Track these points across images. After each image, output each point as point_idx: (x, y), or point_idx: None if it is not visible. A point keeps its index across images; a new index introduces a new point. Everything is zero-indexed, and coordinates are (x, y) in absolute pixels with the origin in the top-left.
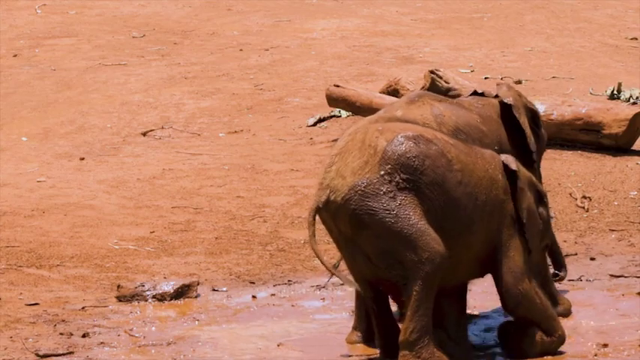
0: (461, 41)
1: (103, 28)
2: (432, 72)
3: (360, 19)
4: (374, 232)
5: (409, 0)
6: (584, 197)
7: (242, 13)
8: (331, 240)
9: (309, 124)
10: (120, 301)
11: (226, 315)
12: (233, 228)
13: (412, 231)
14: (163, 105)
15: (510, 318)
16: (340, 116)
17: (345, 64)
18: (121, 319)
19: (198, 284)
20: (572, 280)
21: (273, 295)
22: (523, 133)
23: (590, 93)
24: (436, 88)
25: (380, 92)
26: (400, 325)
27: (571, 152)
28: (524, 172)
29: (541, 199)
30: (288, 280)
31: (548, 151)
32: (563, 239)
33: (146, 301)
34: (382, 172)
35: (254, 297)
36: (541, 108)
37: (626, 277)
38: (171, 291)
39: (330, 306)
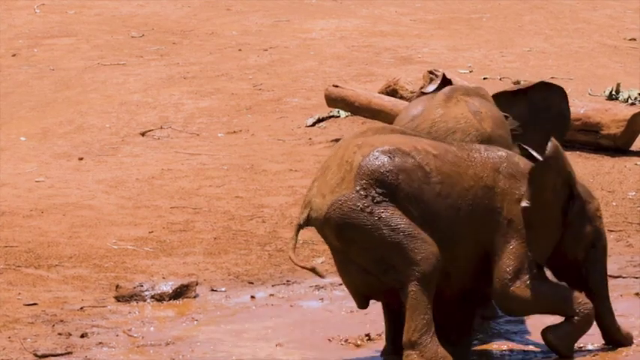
0: (460, 42)
1: (102, 27)
2: (430, 72)
3: (359, 19)
4: (361, 245)
5: (408, 0)
6: None
7: (241, 13)
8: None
9: (308, 125)
10: (118, 301)
11: (225, 315)
12: (232, 228)
13: (399, 237)
14: (162, 105)
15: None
16: (339, 116)
17: (344, 64)
18: (120, 319)
19: (196, 284)
20: None
21: (271, 295)
22: None
23: (589, 93)
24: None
25: (379, 92)
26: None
27: (569, 153)
28: (552, 174)
29: (571, 196)
30: (287, 281)
31: None
32: None
33: (145, 301)
34: (357, 188)
35: (253, 297)
36: None
37: (624, 277)
38: (170, 291)
39: (328, 306)
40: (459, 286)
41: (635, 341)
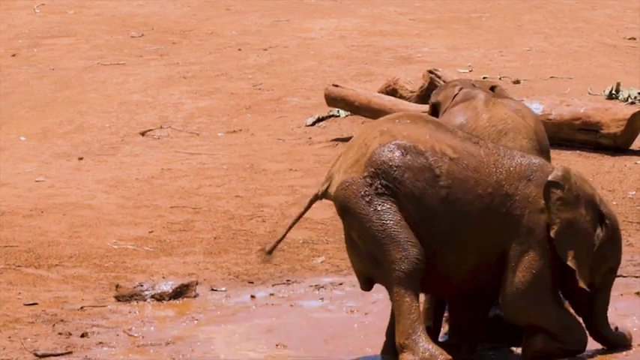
0: (459, 41)
1: (102, 27)
2: (430, 72)
3: (358, 18)
4: (357, 232)
5: (407, 0)
6: None
7: (241, 12)
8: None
9: (308, 124)
10: (118, 300)
11: (225, 315)
12: (232, 228)
13: (386, 234)
14: (162, 105)
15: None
16: (339, 116)
17: (344, 63)
18: (120, 318)
19: (196, 284)
20: None
21: (271, 294)
22: None
23: (589, 93)
24: (434, 88)
25: (378, 92)
26: None
27: (569, 152)
28: (575, 189)
29: (601, 219)
30: (287, 280)
31: None
32: None
33: (145, 300)
34: (365, 174)
35: (253, 297)
36: (539, 108)
37: (624, 276)
38: (170, 291)
39: (328, 306)
40: (469, 288)
41: (635, 341)
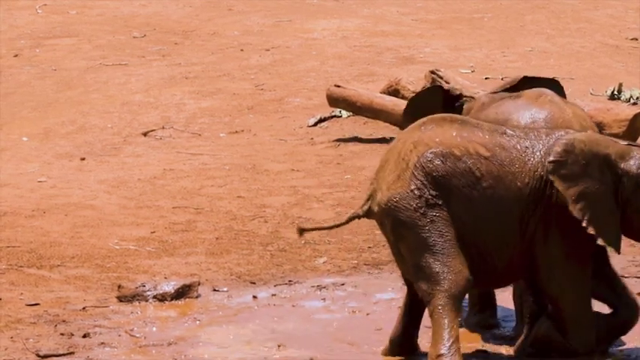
0: (461, 41)
1: (104, 28)
2: (432, 72)
3: (360, 19)
4: (408, 245)
5: (410, 0)
6: None
7: (243, 13)
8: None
9: (310, 125)
10: (121, 301)
11: (227, 315)
12: (234, 228)
13: (440, 249)
14: (164, 105)
15: None
16: (341, 116)
17: (346, 64)
18: (122, 319)
19: (198, 284)
20: None
21: (273, 295)
22: None
23: (591, 93)
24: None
25: (380, 92)
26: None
27: None
28: (582, 158)
29: (622, 175)
30: (289, 280)
31: None
32: None
33: (147, 301)
34: (412, 187)
35: (255, 297)
36: None
37: (626, 277)
38: (172, 291)
39: (330, 306)
40: (513, 280)
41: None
